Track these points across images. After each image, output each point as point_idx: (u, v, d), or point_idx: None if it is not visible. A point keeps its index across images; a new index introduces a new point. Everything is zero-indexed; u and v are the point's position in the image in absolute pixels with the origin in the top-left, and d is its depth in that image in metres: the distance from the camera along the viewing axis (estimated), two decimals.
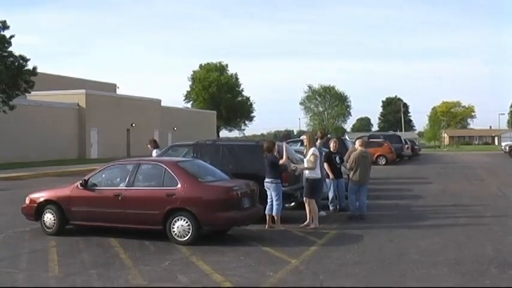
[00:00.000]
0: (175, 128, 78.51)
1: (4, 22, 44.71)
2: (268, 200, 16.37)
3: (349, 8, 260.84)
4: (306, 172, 16.99)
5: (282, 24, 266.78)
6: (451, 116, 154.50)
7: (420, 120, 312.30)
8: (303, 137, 17.71)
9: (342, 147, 31.82)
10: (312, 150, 16.91)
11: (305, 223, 16.68)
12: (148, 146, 22.41)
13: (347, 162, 19.34)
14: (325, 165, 19.28)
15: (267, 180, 16.29)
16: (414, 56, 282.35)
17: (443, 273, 11.37)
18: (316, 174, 16.92)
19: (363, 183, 18.83)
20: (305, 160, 17.19)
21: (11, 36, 44.87)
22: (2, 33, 44.78)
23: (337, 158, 19.95)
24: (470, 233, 15.92)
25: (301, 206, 17.59)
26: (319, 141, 19.60)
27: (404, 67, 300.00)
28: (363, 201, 18.72)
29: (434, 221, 18.05)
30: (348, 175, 19.13)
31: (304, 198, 16.86)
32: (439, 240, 14.85)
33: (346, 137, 63.99)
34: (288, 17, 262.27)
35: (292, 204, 17.96)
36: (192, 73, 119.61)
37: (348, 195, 18.89)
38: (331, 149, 20.07)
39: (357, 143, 19.57)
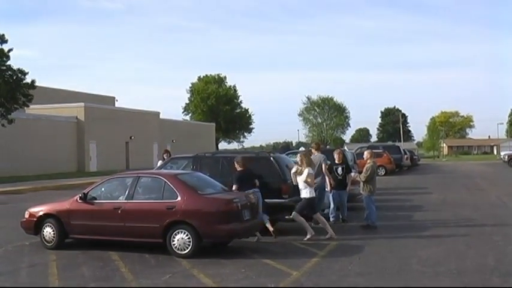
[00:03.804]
0: (174, 141, 78.44)
1: (2, 36, 44.72)
2: None
3: (347, 19, 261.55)
4: (302, 191, 16.82)
5: (280, 35, 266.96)
6: (450, 126, 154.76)
7: (419, 130, 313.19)
8: (298, 157, 17.38)
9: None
10: (307, 170, 16.70)
11: (308, 236, 16.56)
12: (164, 156, 22.75)
13: (359, 173, 19.47)
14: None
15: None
16: (413, 67, 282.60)
17: (445, 284, 11.34)
18: (311, 193, 16.82)
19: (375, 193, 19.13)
20: (300, 180, 16.80)
21: (10, 50, 44.87)
22: (0, 47, 44.80)
23: (340, 169, 19.93)
24: (471, 242, 15.91)
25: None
26: (316, 153, 19.57)
27: (403, 77, 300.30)
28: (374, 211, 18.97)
29: (434, 231, 18.00)
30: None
31: (294, 213, 16.70)
32: (440, 250, 14.84)
33: (345, 147, 64.07)
34: (286, 29, 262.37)
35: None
36: (191, 85, 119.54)
37: (369, 206, 18.83)
38: (336, 161, 20.09)
39: (368, 154, 19.50)
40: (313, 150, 19.84)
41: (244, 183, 16.42)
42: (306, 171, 16.63)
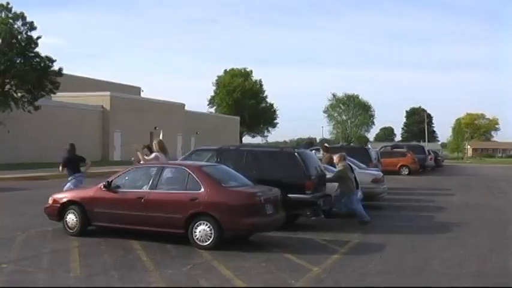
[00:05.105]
0: (198, 133, 78.50)
1: (31, 23, 45.03)
2: None
3: (374, 18, 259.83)
4: None
5: (308, 31, 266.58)
6: (475, 128, 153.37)
7: (443, 131, 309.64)
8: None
9: (365, 156, 31.91)
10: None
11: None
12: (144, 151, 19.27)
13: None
14: None
15: None
16: (439, 67, 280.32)
17: (466, 286, 11.28)
18: None
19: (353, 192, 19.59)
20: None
21: (38, 37, 45.26)
22: (29, 34, 45.09)
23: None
24: (493, 246, 15.82)
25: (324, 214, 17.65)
26: (324, 155, 19.98)
27: (429, 77, 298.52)
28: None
29: (456, 233, 17.92)
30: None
31: None
32: (461, 252, 14.76)
33: (369, 146, 63.86)
34: (313, 25, 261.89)
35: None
36: (217, 78, 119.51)
37: (349, 208, 19.32)
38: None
39: (337, 158, 20.43)
40: (321, 151, 20.26)
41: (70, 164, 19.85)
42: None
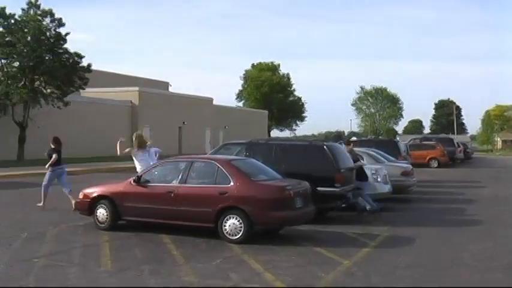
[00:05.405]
0: (226, 127, 78.58)
1: (60, 20, 45.36)
2: None
3: (402, 9, 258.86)
4: None
5: (336, 24, 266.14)
6: (505, 120, 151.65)
7: (473, 123, 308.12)
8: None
9: (394, 149, 31.81)
10: None
11: None
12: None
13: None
14: None
15: None
16: (467, 58, 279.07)
17: (498, 279, 11.21)
18: None
19: None
20: None
21: (67, 34, 45.65)
22: (57, 30, 45.41)
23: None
24: None
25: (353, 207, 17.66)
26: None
27: (458, 69, 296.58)
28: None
29: (487, 226, 17.82)
30: None
31: None
32: (492, 245, 14.69)
33: (398, 138, 63.61)
34: (341, 18, 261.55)
35: (344, 205, 17.91)
36: (244, 72, 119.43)
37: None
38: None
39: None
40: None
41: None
42: None
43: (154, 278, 10.79)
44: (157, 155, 20.85)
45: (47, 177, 20.45)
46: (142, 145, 19.12)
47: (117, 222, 15.76)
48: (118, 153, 19.46)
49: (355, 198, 18.71)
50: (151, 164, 17.69)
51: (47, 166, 20.64)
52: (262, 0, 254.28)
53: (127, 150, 19.11)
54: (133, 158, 19.15)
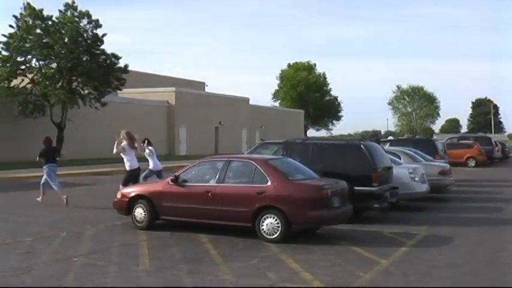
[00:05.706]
0: (262, 127, 78.63)
1: (97, 21, 45.67)
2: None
3: (438, 8, 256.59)
4: None
5: (372, 23, 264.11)
6: None
7: (511, 122, 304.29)
8: None
9: (432, 148, 31.57)
10: None
11: None
12: (142, 144, 23.51)
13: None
14: None
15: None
16: (505, 57, 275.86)
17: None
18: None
19: None
20: None
21: (104, 35, 45.93)
22: (94, 31, 45.75)
23: None
24: None
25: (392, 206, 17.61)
26: None
27: (495, 67, 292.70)
28: None
29: None
30: None
31: None
32: None
33: (434, 137, 63.12)
34: (377, 16, 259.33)
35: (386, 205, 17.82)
36: (280, 72, 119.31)
37: None
38: None
39: None
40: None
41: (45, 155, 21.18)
42: None
43: (192, 277, 10.83)
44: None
45: (44, 175, 21.28)
46: (133, 142, 20.33)
47: (155, 222, 15.82)
48: (114, 151, 20.40)
49: (393, 198, 18.60)
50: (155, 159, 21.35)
51: (37, 159, 21.79)
52: (298, 0, 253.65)
53: (123, 144, 20.18)
54: (123, 155, 20.32)
